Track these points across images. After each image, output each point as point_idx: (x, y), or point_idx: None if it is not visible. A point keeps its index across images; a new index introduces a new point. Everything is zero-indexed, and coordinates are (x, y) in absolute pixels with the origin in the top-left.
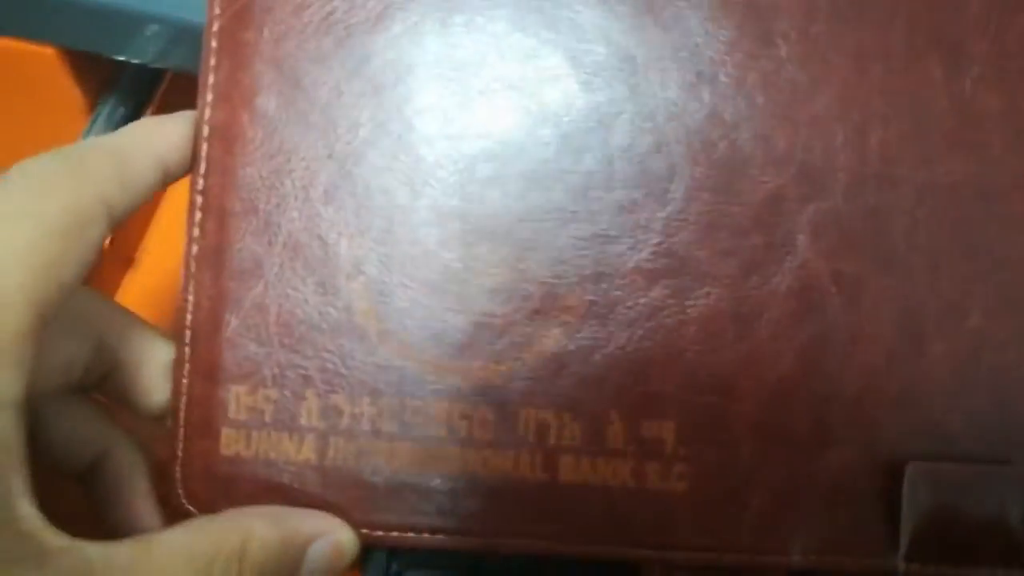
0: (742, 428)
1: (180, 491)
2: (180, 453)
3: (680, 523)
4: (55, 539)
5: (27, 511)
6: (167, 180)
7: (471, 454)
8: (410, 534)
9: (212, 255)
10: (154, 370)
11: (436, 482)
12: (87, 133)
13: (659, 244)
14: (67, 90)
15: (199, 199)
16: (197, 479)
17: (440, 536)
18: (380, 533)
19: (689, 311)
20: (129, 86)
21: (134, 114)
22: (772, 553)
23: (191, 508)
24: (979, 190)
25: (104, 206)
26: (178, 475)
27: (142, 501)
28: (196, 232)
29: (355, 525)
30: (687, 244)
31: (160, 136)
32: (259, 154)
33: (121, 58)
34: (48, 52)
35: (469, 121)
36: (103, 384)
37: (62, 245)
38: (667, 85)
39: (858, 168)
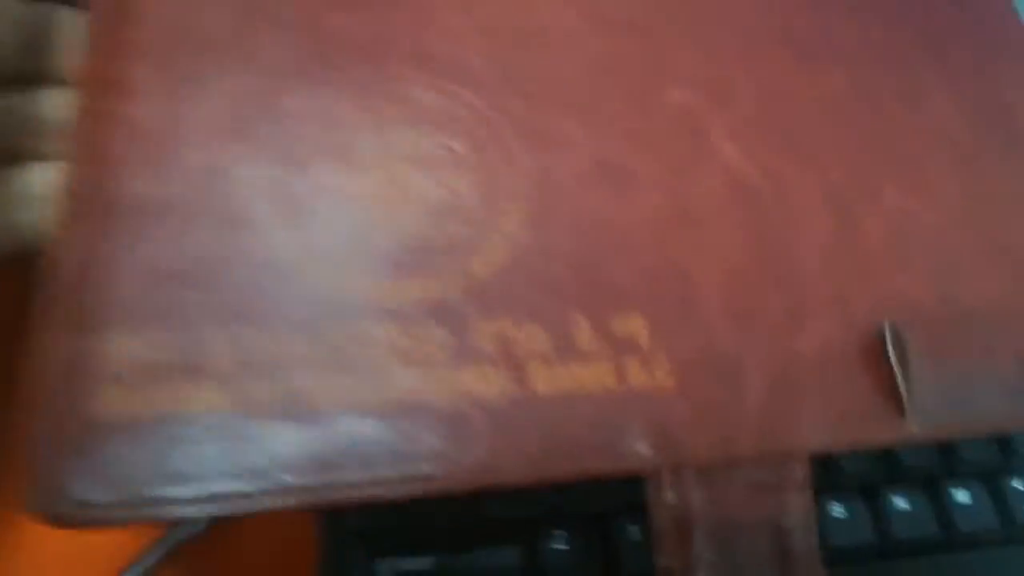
0: (712, 313)
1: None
2: (39, 424)
3: (677, 420)
4: None
5: None
6: None
7: (426, 376)
8: (364, 486)
9: (96, 191)
10: None
11: (387, 414)
12: None
13: (592, 155)
14: None
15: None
16: (61, 455)
17: (400, 483)
18: (327, 490)
19: (631, 209)
20: None
21: None
22: (784, 436)
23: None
24: (859, 97)
25: None
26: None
27: None
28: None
29: (293, 487)
30: (617, 154)
31: None
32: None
33: None
34: None
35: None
36: None
37: None
38: None
39: (757, 84)
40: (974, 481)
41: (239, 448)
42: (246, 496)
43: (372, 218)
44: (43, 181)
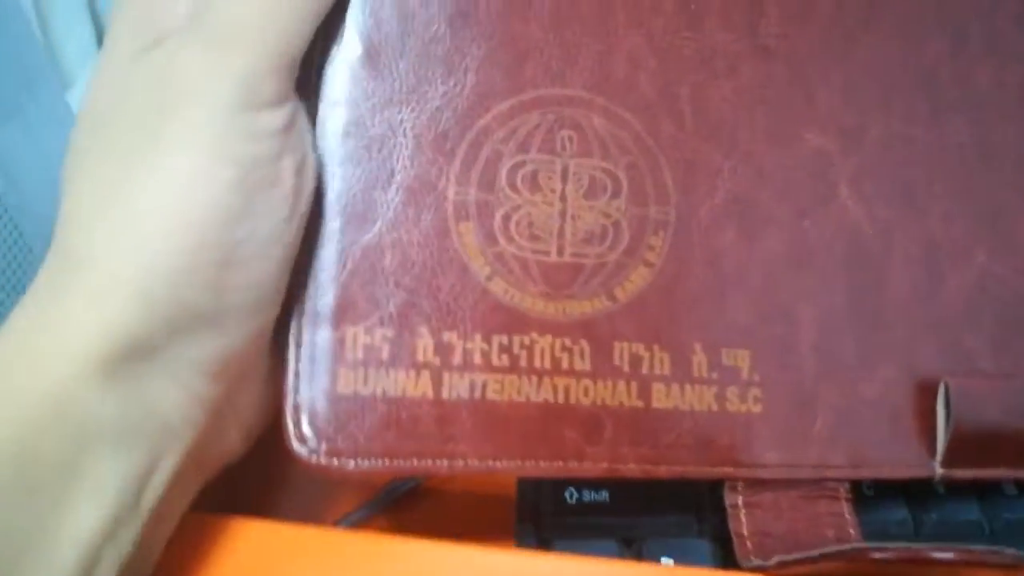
0: (805, 354)
1: (290, 432)
2: (293, 396)
3: (757, 441)
4: None
5: None
6: None
7: (573, 384)
8: (520, 461)
9: (328, 203)
10: None
11: (544, 411)
12: None
13: (730, 190)
14: None
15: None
16: (311, 420)
17: (548, 463)
18: (495, 463)
19: (755, 250)
20: None
21: None
22: (834, 467)
23: (300, 451)
24: (979, 151)
25: None
26: (289, 418)
27: None
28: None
29: (470, 456)
30: (752, 190)
31: None
32: (372, 103)
33: None
34: None
35: (571, 74)
36: None
37: None
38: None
39: (885, 129)
40: None
41: (436, 429)
42: (440, 466)
43: (543, 239)
44: None
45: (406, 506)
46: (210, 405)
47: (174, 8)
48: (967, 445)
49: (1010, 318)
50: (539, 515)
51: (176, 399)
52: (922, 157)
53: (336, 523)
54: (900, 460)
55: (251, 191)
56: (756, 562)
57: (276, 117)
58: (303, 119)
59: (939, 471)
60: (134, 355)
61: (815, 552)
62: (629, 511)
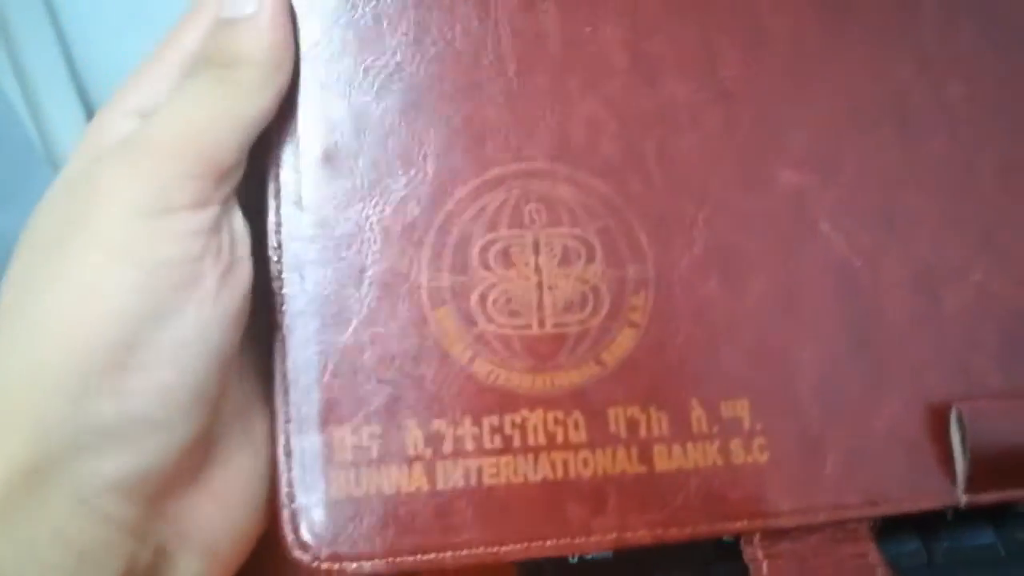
0: (806, 396)
1: (290, 540)
2: (289, 503)
3: (768, 491)
4: None
5: None
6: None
7: (571, 457)
8: (526, 544)
9: (300, 307)
10: None
11: (544, 489)
12: None
13: (707, 240)
14: None
15: (277, 256)
16: (309, 527)
17: (554, 541)
18: (500, 548)
19: (742, 297)
20: None
21: None
22: (851, 507)
23: (303, 558)
24: (960, 168)
25: None
26: (288, 526)
27: None
28: (283, 289)
29: (474, 544)
30: (730, 237)
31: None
32: (335, 203)
33: None
34: None
35: (531, 147)
36: None
37: None
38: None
39: (860, 158)
40: None
41: (436, 521)
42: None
43: (523, 313)
44: None
45: None
46: (130, 525)
47: (113, 134)
48: (988, 468)
49: (1014, 332)
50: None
51: (83, 521)
52: (901, 181)
53: None
54: (920, 491)
55: (160, 293)
56: None
57: (195, 220)
58: (235, 223)
59: (963, 498)
60: (32, 481)
61: None
62: (634, 571)
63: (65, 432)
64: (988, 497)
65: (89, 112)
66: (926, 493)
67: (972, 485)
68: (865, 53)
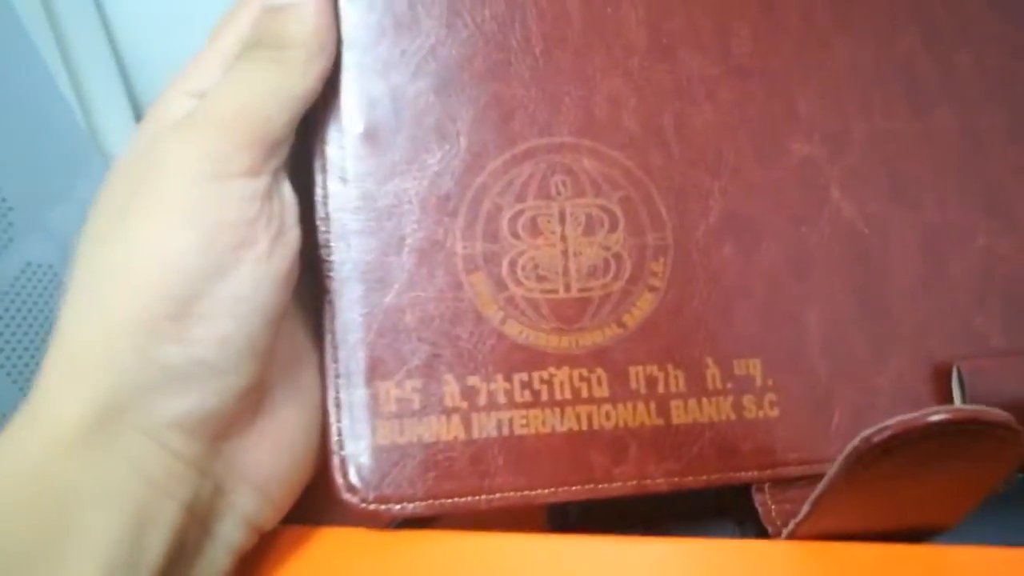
0: (815, 355)
1: (340, 484)
2: (339, 450)
3: (778, 444)
4: None
5: None
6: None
7: (595, 411)
8: (554, 489)
9: (347, 272)
10: None
11: (570, 439)
12: None
13: (722, 209)
14: None
15: (325, 227)
16: (357, 472)
17: (580, 487)
18: (530, 493)
19: (755, 263)
20: None
21: None
22: None
23: (351, 500)
24: (967, 136)
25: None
26: (337, 472)
27: None
28: (331, 256)
29: (506, 489)
30: (744, 206)
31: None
32: (376, 177)
33: None
34: None
35: (557, 123)
36: None
37: None
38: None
39: (868, 127)
40: None
41: (471, 468)
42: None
43: (550, 278)
44: None
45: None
46: (193, 460)
47: (174, 112)
48: None
49: (1017, 295)
50: (567, 513)
51: (153, 453)
52: (909, 149)
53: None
54: None
55: (219, 251)
56: (789, 527)
57: (249, 187)
58: (285, 193)
59: None
60: (107, 417)
61: (833, 466)
62: (652, 501)
63: (137, 374)
64: None
65: (135, 107)
66: None
67: None
68: (873, 26)
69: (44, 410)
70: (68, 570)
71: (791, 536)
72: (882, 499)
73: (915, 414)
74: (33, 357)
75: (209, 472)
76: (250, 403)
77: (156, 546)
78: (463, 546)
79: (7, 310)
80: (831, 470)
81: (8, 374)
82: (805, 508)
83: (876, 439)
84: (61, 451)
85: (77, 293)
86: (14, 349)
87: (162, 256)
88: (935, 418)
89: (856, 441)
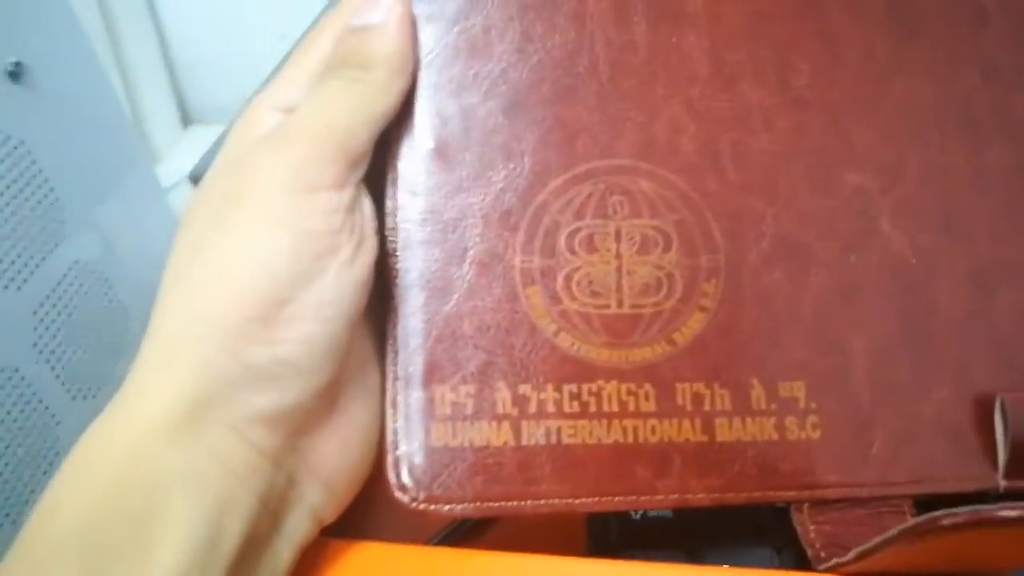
0: (859, 380)
1: (393, 482)
2: (394, 449)
3: (818, 465)
4: None
5: None
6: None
7: (641, 424)
8: (597, 498)
9: (411, 281)
10: None
11: (615, 451)
12: None
13: (774, 235)
14: None
15: (394, 236)
16: (410, 471)
17: (623, 498)
18: (574, 501)
19: (804, 288)
20: None
21: None
22: (896, 484)
23: (402, 499)
24: (1020, 173)
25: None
26: (391, 471)
27: None
28: (398, 265)
29: (551, 496)
30: (796, 233)
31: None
32: (444, 192)
33: None
34: None
35: (618, 146)
36: None
37: None
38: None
39: (923, 162)
40: None
41: (519, 473)
42: (524, 507)
43: (603, 294)
44: None
45: (481, 528)
46: (271, 453)
47: (263, 126)
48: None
49: None
50: (608, 533)
51: (235, 445)
52: (962, 185)
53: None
54: (963, 474)
55: (306, 258)
56: (832, 562)
57: (335, 199)
58: (365, 205)
59: (1002, 483)
60: (196, 409)
61: (893, 531)
62: (692, 524)
63: (225, 371)
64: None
65: (183, 110)
66: (968, 476)
67: (1012, 471)
68: (932, 63)
69: (137, 401)
70: (153, 549)
71: (831, 571)
72: (936, 556)
73: (987, 508)
74: (76, 353)
75: (284, 465)
76: (326, 401)
77: (233, 536)
78: (499, 565)
79: (54, 306)
80: (886, 534)
81: (52, 368)
82: (852, 554)
83: (945, 523)
84: (154, 438)
85: (170, 297)
86: (59, 344)
87: (254, 263)
88: (1008, 514)
89: (922, 519)
